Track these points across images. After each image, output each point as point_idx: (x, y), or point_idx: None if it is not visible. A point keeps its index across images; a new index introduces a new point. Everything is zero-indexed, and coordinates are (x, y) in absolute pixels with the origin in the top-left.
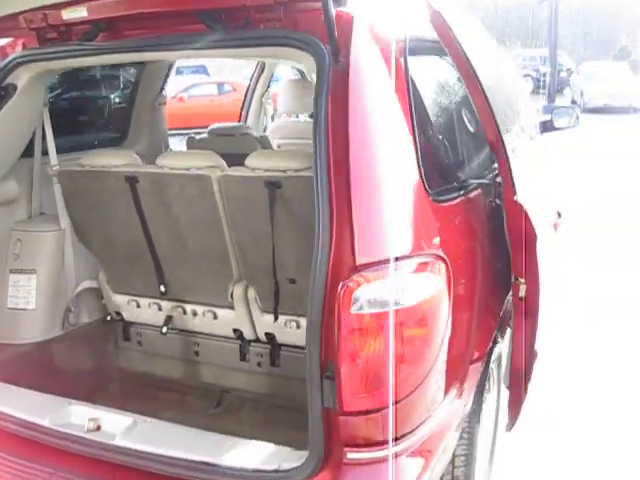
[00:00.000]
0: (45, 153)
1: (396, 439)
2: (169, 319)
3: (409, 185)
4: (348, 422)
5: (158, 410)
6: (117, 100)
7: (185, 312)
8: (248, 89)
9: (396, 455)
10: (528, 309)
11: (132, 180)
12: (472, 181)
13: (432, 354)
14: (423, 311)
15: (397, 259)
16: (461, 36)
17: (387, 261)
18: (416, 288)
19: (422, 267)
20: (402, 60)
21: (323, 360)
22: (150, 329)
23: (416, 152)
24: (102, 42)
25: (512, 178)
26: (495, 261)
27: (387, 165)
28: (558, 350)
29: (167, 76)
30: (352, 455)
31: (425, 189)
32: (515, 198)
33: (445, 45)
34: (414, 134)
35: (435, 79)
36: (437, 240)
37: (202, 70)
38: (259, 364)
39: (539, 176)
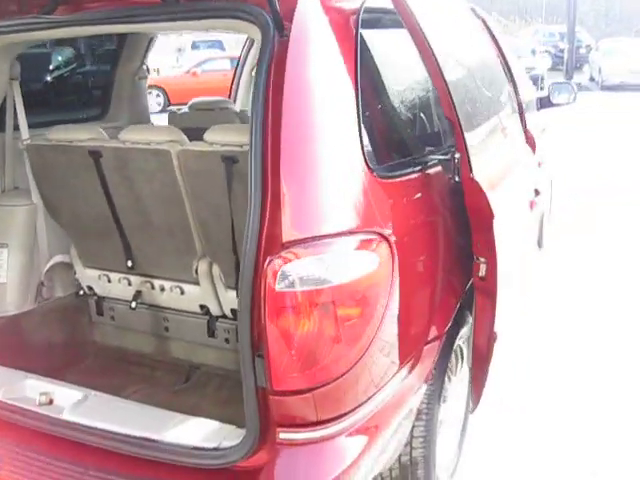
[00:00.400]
0: (17, 128)
1: (332, 419)
2: (138, 294)
3: (348, 161)
4: (280, 402)
5: (127, 385)
6: (98, 75)
7: (153, 287)
8: (238, 63)
9: (332, 436)
10: (487, 289)
11: (96, 155)
12: (430, 157)
13: (369, 333)
14: (359, 290)
15: (331, 236)
16: (418, 7)
17: (320, 237)
18: (351, 266)
19: (359, 245)
20: (353, 32)
21: (256, 338)
22: (122, 304)
23: (359, 128)
24: (59, 15)
25: (468, 155)
26: (459, 239)
27: (323, 140)
28: (530, 335)
29: (147, 50)
30: (285, 435)
31: (367, 165)
32: (471, 175)
33: (400, 16)
34: (358, 110)
35: (392, 53)
36: (379, 217)
37: (218, 45)
38: (227, 340)
39: (517, 154)
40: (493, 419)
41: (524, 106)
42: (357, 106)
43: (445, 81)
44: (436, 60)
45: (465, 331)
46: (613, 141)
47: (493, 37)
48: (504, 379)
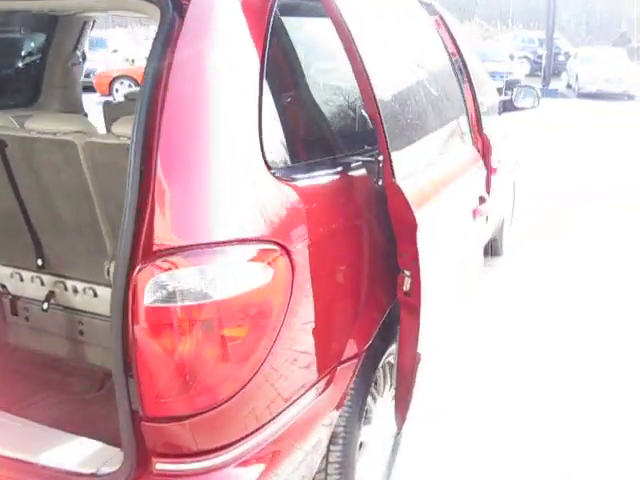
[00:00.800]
0: None
1: (219, 448)
2: (51, 295)
3: (243, 161)
4: (155, 429)
5: (37, 391)
6: (28, 60)
7: (66, 288)
8: None
9: (220, 466)
10: (411, 305)
11: (1, 144)
12: (353, 158)
13: (260, 354)
14: (247, 306)
15: (217, 244)
16: None
17: (204, 246)
18: (239, 279)
19: (250, 256)
20: (266, 17)
21: (130, 357)
22: (36, 304)
23: (259, 124)
24: None
25: (390, 157)
26: (386, 248)
27: (211, 134)
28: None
29: (81, 34)
30: (162, 466)
31: (267, 165)
32: (393, 180)
33: (323, 5)
34: (260, 103)
35: (315, 42)
36: (279, 225)
37: None
38: None
39: (459, 160)
40: (439, 428)
41: (484, 109)
42: (260, 99)
43: (367, 75)
44: (358, 52)
45: (395, 348)
46: (588, 146)
47: (450, 35)
48: (447, 387)
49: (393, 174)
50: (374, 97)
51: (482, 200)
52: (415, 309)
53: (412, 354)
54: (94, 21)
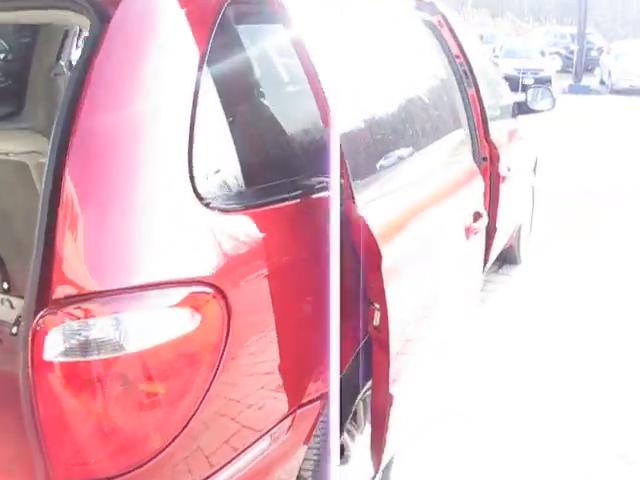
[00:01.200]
0: None
1: None
2: (21, 318)
3: (166, 191)
4: None
5: (13, 418)
6: (11, 71)
7: None
8: None
9: None
10: (381, 341)
11: None
12: (314, 180)
13: (189, 404)
14: (169, 356)
15: (134, 289)
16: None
17: (117, 291)
18: (159, 328)
19: (174, 301)
20: (208, 28)
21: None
22: (8, 327)
23: (189, 150)
24: None
25: (349, 180)
26: (357, 278)
27: (127, 165)
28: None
29: (63, 44)
30: None
31: (197, 195)
32: (354, 206)
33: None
34: (192, 128)
35: (272, 52)
36: (209, 264)
37: None
38: None
39: (450, 176)
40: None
41: (496, 112)
42: (192, 121)
43: (322, 88)
44: (313, 65)
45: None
46: (619, 144)
47: (454, 37)
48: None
49: (353, 199)
50: (329, 111)
51: (478, 216)
52: (385, 345)
53: (384, 394)
54: (80, 31)
